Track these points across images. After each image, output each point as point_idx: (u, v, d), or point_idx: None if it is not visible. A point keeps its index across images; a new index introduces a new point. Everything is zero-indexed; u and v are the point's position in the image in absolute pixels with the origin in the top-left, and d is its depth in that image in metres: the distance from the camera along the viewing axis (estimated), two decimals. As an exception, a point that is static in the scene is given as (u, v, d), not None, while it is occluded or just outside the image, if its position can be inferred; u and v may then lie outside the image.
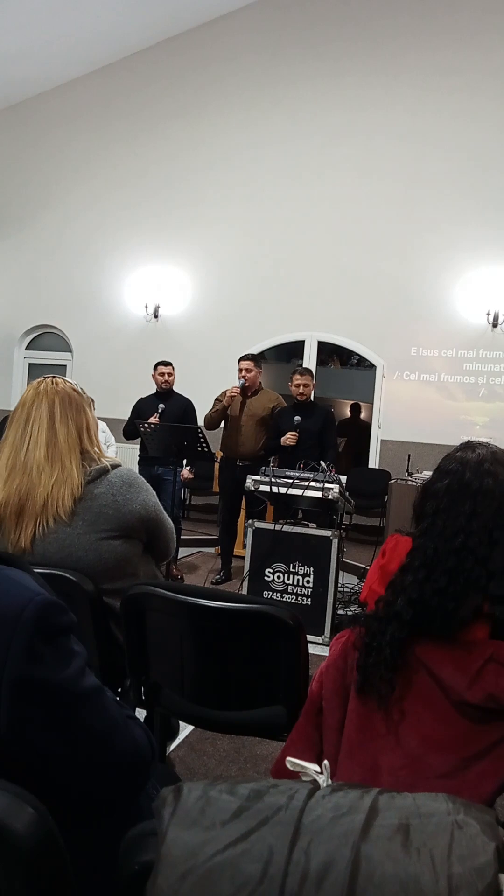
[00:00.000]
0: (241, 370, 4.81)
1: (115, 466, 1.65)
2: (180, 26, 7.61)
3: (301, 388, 4.61)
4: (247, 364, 4.79)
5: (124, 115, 8.01)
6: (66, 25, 7.16)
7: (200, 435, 4.39)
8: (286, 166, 7.27)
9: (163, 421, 4.76)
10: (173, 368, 5.13)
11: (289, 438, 4.45)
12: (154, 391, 5.17)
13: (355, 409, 8.06)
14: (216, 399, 4.88)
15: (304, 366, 4.86)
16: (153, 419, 4.77)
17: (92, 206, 8.15)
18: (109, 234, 8.04)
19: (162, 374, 5.06)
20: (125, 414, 5.23)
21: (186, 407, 5.04)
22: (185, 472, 4.95)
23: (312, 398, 4.83)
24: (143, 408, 5.07)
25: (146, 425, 4.61)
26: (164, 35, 7.71)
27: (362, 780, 1.14)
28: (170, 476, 4.76)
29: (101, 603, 1.60)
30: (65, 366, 8.24)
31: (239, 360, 4.89)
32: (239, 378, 4.81)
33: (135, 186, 7.91)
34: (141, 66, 7.92)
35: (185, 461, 4.91)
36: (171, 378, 5.09)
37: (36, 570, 0.90)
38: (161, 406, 4.88)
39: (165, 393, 5.09)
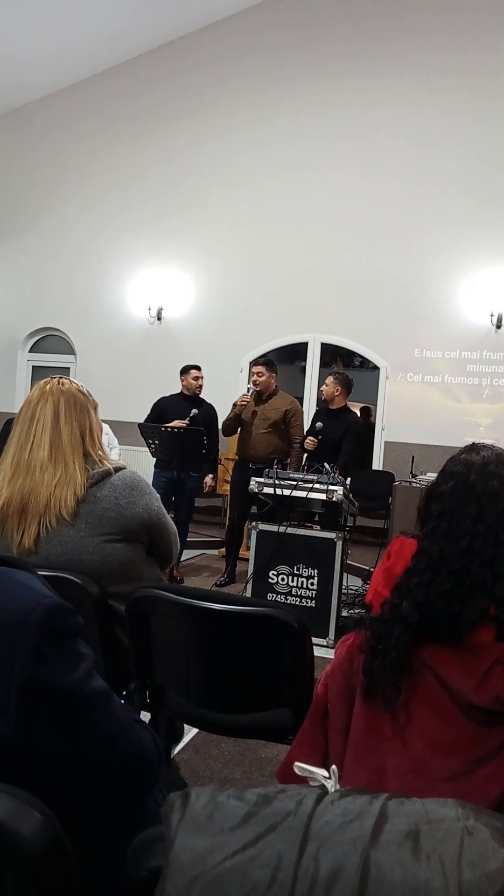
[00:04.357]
0: (252, 374, 4.87)
1: (118, 469, 1.65)
2: (182, 29, 7.62)
3: (324, 387, 4.76)
4: (258, 369, 4.84)
5: (126, 119, 8.02)
6: (68, 29, 7.18)
7: (204, 439, 4.39)
8: (289, 168, 7.27)
9: (192, 425, 4.70)
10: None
11: (308, 443, 4.56)
12: (178, 392, 5.11)
13: (365, 412, 7.93)
14: (233, 405, 4.92)
15: (336, 370, 4.96)
16: (182, 423, 4.71)
17: (94, 209, 8.16)
18: (112, 237, 8.05)
19: (196, 379, 5.05)
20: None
21: (212, 414, 5.02)
22: (208, 480, 4.95)
23: (342, 404, 4.81)
24: (167, 407, 4.98)
25: (157, 431, 4.56)
26: (166, 38, 7.73)
27: (368, 784, 1.13)
28: (187, 481, 4.75)
29: (106, 606, 1.60)
30: (68, 368, 8.25)
31: (251, 365, 4.95)
32: (249, 383, 4.86)
33: (137, 189, 7.92)
34: (143, 69, 7.93)
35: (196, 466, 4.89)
36: (203, 382, 5.10)
37: (41, 573, 0.90)
38: (194, 410, 4.84)
39: (195, 397, 5.07)
